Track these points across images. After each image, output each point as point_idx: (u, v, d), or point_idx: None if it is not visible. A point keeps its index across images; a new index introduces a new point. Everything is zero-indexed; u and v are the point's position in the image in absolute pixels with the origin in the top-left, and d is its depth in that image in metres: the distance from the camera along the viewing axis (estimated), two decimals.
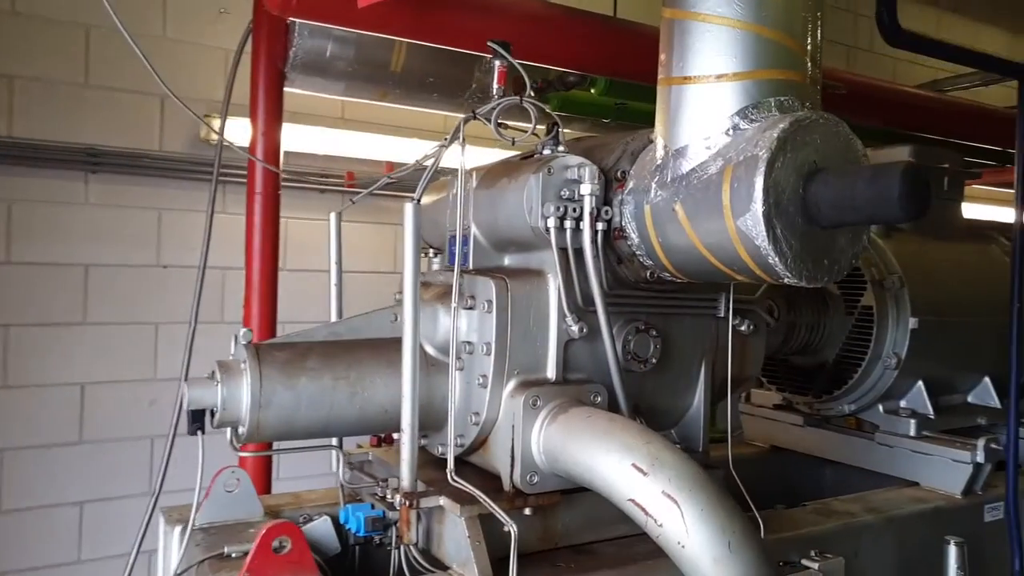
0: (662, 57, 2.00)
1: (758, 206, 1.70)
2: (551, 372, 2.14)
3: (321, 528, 2.35)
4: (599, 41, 3.09)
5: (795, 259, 1.75)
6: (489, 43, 2.13)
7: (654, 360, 2.27)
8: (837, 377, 3.16)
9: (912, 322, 2.98)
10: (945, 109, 4.73)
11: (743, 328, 2.46)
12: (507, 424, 2.09)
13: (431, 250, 2.81)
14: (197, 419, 2.03)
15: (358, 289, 4.81)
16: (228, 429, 2.09)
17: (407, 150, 4.58)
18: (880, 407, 3.14)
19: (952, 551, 2.55)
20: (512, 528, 1.86)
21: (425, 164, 2.42)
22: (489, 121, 2.12)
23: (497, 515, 1.90)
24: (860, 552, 2.52)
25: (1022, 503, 2.90)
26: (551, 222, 2.04)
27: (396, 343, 2.23)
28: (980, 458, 2.81)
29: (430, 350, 2.24)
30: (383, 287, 4.68)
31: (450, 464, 2.08)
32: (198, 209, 4.51)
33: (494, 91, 2.15)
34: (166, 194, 4.53)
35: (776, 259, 1.73)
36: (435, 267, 2.82)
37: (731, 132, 1.84)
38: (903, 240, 3.19)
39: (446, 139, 2.14)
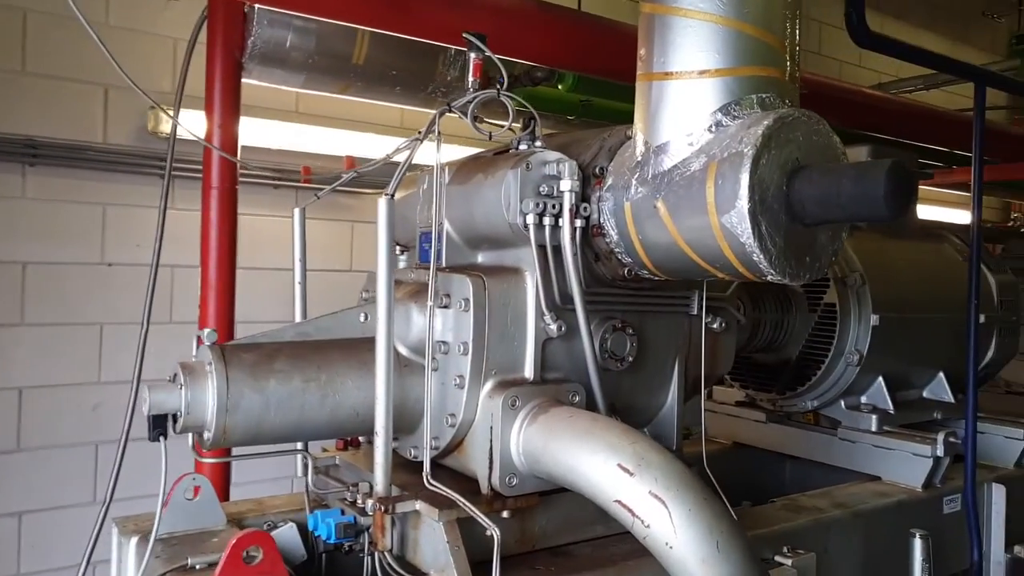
0: (641, 52, 1.98)
1: (743, 203, 1.70)
2: (529, 372, 2.11)
3: (287, 535, 2.27)
4: (573, 36, 3.05)
5: (779, 256, 1.75)
6: (464, 35, 2.08)
7: (631, 358, 2.26)
8: (800, 374, 3.21)
9: (874, 319, 3.04)
10: (899, 110, 4.85)
11: (715, 326, 2.47)
12: (485, 425, 2.05)
13: (398, 247, 2.75)
14: (159, 425, 1.93)
15: (314, 287, 4.70)
16: (190, 434, 2.00)
17: (365, 144, 4.48)
18: (842, 403, 3.20)
19: (917, 544, 2.61)
20: (495, 532, 1.82)
21: (395, 159, 2.37)
22: (465, 115, 2.07)
23: (478, 519, 1.86)
24: (830, 547, 2.56)
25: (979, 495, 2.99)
26: (530, 219, 2.01)
27: (367, 343, 2.17)
28: (940, 452, 2.88)
29: (403, 350, 2.19)
30: (339, 285, 4.58)
31: (426, 467, 2.03)
32: (144, 204, 4.35)
33: (469, 84, 2.11)
34: (111, 188, 4.35)
35: (761, 256, 1.73)
36: (402, 265, 2.77)
37: (714, 128, 1.83)
38: (863, 238, 3.26)
39: (420, 133, 2.09)
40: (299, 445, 2.34)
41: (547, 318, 2.08)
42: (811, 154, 1.80)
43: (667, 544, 1.67)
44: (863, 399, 3.22)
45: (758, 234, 1.71)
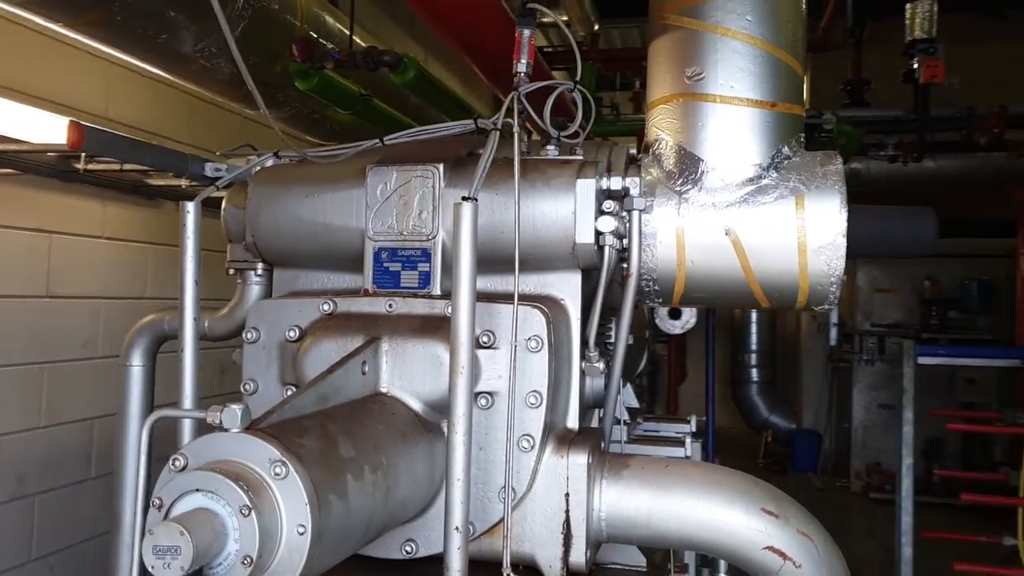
0: (690, 70, 1.94)
1: (842, 239, 1.84)
2: (573, 421, 1.85)
3: None
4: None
5: (840, 287, 1.94)
6: (529, 6, 1.69)
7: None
8: None
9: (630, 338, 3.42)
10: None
11: None
12: (553, 493, 1.72)
13: (258, 266, 2.03)
14: None
15: None
16: None
17: None
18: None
19: None
20: None
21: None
22: (540, 116, 1.70)
23: None
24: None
25: None
26: (608, 239, 1.77)
27: (381, 404, 1.63)
28: (693, 427, 3.42)
29: (416, 406, 1.68)
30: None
31: (506, 561, 1.61)
32: None
33: (521, 69, 1.72)
34: None
35: (836, 287, 1.89)
36: (256, 293, 2.06)
37: (784, 162, 1.92)
38: None
39: (479, 120, 1.64)
40: None
41: (593, 356, 1.86)
42: None
43: None
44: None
45: (843, 267, 1.87)
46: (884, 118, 6.56)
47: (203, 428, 1.31)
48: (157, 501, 1.16)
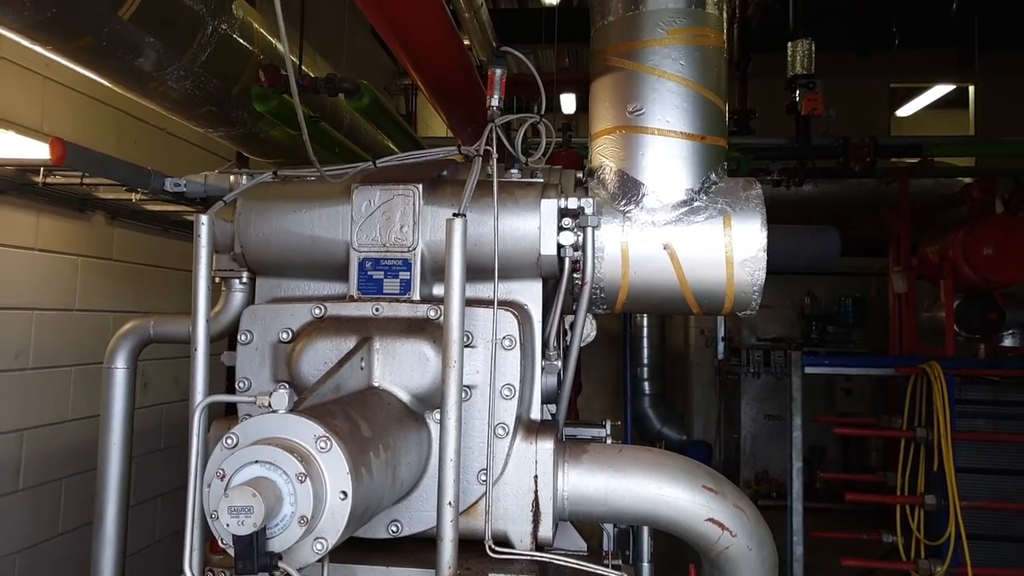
0: (633, 105, 2.28)
1: (763, 253, 2.22)
2: (536, 412, 2.13)
3: None
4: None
5: (760, 295, 2.33)
6: (503, 48, 1.99)
7: None
8: None
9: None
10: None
11: None
12: (523, 475, 2.01)
13: (243, 275, 2.22)
14: (247, 552, 1.32)
15: None
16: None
17: None
18: None
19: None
20: None
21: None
22: (509, 137, 1.99)
23: None
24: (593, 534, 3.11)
25: None
26: (568, 252, 2.08)
27: (381, 396, 1.88)
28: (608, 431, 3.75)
29: (405, 398, 1.93)
30: None
31: (488, 534, 1.88)
32: None
33: (494, 103, 2.01)
34: None
35: (757, 295, 2.27)
36: (239, 299, 2.25)
37: (712, 187, 2.29)
38: None
39: (459, 147, 1.92)
40: None
41: (552, 355, 2.16)
42: None
43: (748, 547, 2.06)
44: None
45: (764, 277, 2.25)
46: (770, 145, 7.25)
47: None
48: (220, 472, 1.37)
